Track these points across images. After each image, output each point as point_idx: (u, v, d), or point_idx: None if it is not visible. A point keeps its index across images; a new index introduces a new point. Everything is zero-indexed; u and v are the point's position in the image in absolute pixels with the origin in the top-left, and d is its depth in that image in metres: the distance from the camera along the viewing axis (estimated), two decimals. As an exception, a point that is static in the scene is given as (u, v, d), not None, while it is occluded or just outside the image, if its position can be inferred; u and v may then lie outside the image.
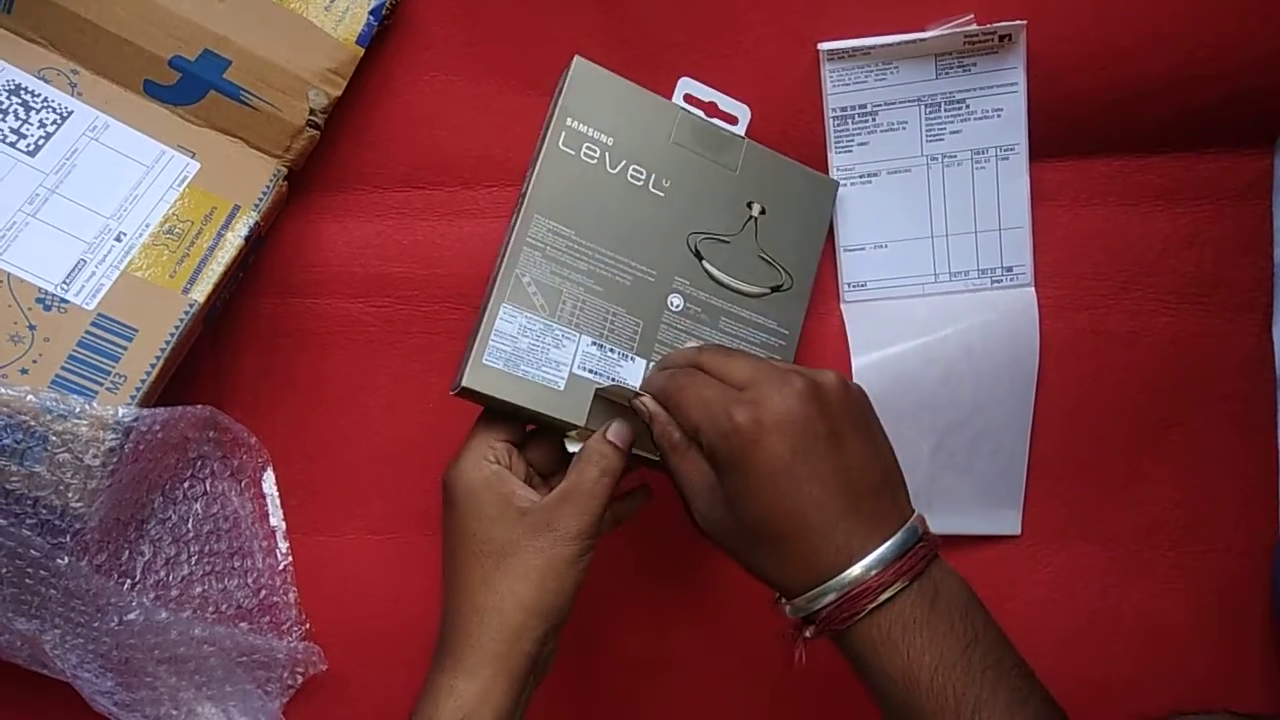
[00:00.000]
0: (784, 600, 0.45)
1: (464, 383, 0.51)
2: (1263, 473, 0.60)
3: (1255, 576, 0.60)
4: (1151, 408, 0.60)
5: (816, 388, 0.44)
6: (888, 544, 0.42)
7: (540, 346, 0.52)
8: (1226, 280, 0.60)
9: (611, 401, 0.53)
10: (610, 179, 0.55)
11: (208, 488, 0.59)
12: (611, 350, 0.54)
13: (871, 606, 0.42)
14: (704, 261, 0.56)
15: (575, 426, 0.52)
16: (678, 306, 0.55)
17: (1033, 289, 0.60)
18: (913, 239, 0.60)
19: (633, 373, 0.54)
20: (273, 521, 0.61)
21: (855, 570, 0.42)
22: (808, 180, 0.58)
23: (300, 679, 0.61)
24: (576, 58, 0.55)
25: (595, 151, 0.54)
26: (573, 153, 0.54)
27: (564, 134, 0.54)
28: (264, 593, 0.60)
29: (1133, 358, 0.60)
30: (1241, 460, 0.60)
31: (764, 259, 0.57)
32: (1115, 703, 0.60)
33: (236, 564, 0.59)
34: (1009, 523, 0.61)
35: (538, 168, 0.54)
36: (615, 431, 0.50)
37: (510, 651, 0.47)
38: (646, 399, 0.49)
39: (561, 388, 0.52)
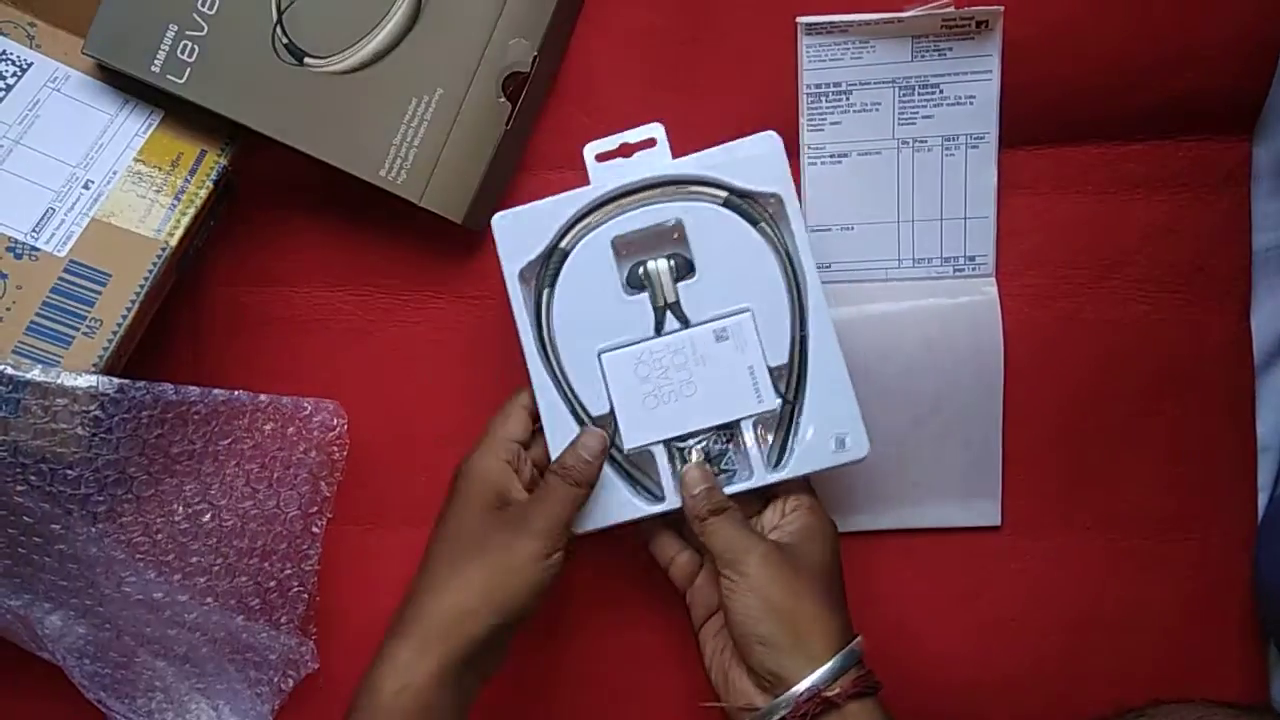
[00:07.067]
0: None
1: None
2: (1241, 461, 0.60)
3: (1234, 565, 0.60)
4: (1130, 397, 0.60)
5: None
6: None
7: None
8: (1205, 269, 0.59)
9: None
10: None
11: (236, 474, 0.58)
12: None
13: None
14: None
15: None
16: None
17: (994, 279, 0.60)
18: (879, 223, 0.60)
19: None
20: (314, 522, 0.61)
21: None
22: None
23: (292, 683, 0.60)
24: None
25: None
26: None
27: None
28: (273, 584, 0.59)
29: (1111, 346, 0.60)
30: (1220, 449, 0.60)
31: None
32: (1096, 691, 0.60)
33: (248, 562, 0.58)
34: (988, 513, 0.60)
35: None
36: (585, 444, 0.51)
37: (456, 632, 0.48)
38: None
39: None
